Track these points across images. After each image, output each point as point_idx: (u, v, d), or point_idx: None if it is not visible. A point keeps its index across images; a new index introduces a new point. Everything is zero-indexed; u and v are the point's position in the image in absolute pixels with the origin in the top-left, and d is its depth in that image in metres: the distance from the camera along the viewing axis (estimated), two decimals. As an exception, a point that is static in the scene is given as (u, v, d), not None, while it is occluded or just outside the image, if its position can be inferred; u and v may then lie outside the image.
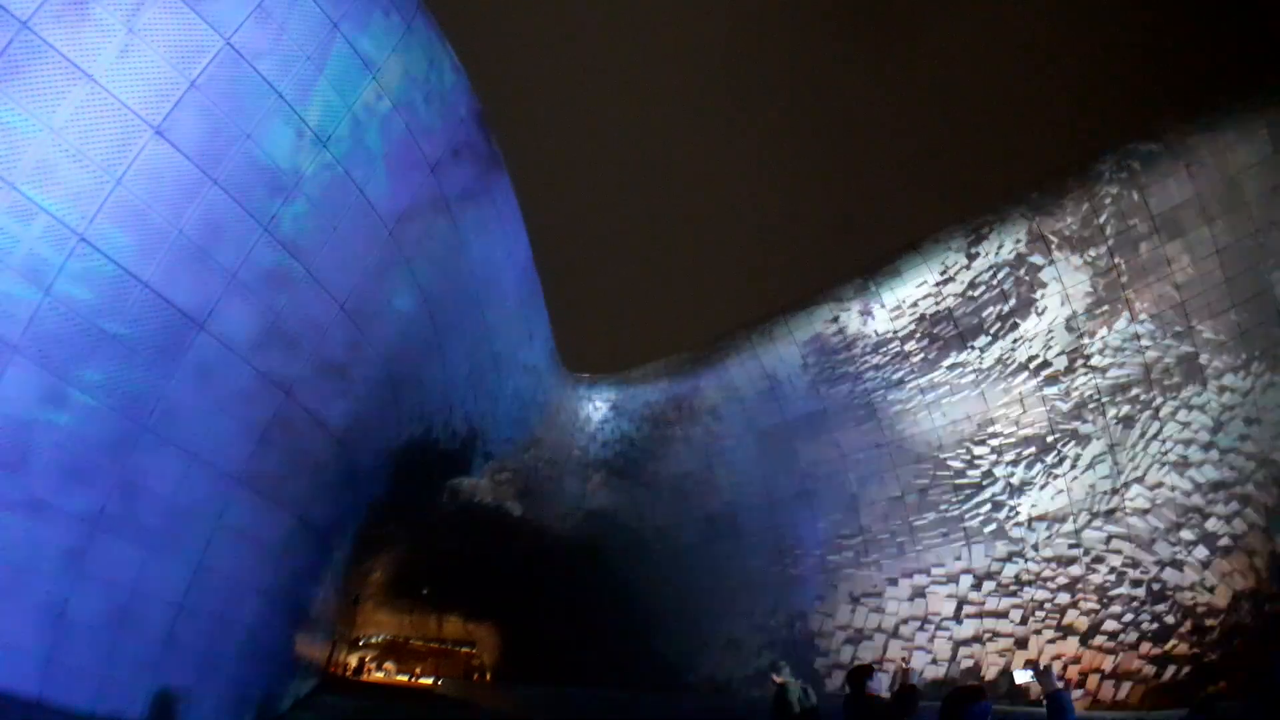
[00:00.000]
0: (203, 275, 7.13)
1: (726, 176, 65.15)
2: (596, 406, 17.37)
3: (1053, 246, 13.29)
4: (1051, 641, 13.28)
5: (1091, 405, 13.40)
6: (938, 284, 14.07)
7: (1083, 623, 13.12)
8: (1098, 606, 13.08)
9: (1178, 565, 12.64)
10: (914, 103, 59.87)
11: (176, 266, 6.91)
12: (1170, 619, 12.46)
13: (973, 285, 13.90)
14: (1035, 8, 51.60)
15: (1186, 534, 12.62)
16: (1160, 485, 12.98)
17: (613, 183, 62.33)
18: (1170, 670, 12.21)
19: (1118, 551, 13.15)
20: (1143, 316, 12.98)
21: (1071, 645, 13.08)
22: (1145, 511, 13.04)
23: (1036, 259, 13.40)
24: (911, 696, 6.23)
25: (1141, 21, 45.07)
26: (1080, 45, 52.04)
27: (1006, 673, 13.39)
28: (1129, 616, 12.77)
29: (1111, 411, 13.28)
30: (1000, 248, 13.59)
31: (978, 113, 56.12)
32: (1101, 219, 12.98)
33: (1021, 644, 13.58)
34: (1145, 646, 12.53)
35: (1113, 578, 13.10)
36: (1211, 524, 12.50)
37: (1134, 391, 13.12)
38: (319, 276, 8.28)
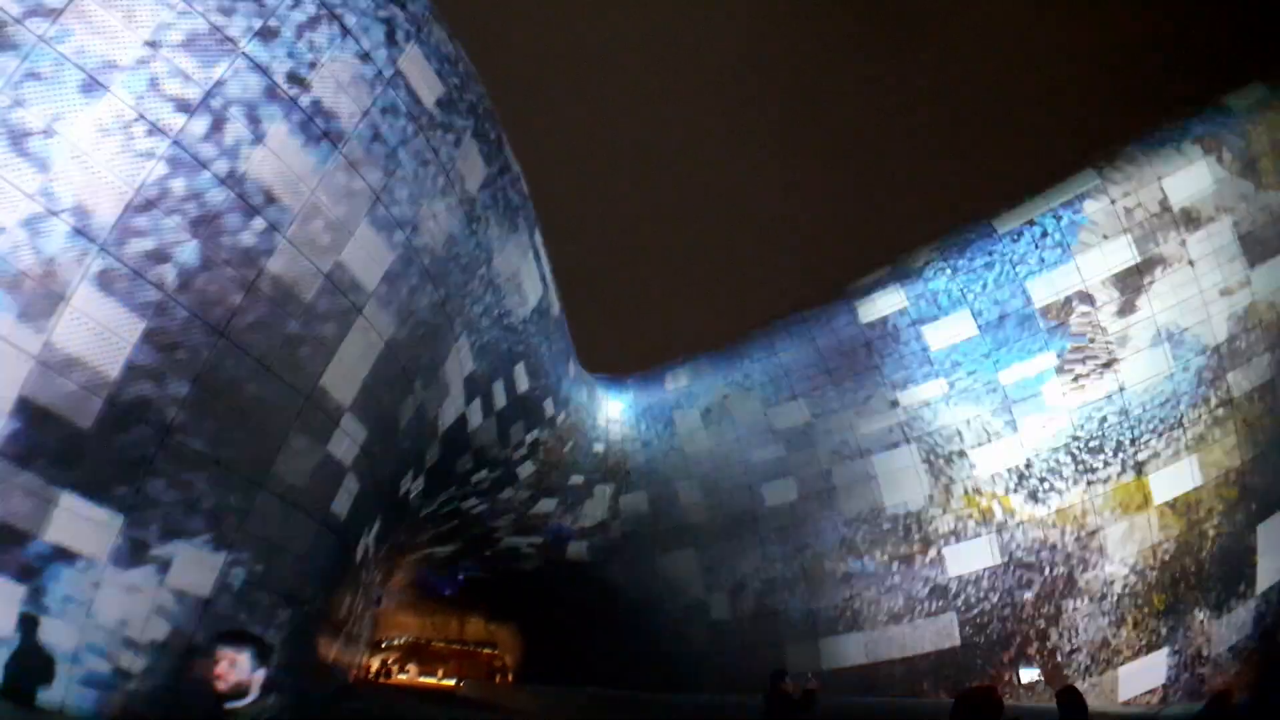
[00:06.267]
0: (219, 283, 7.15)
1: (740, 175, 64.90)
2: (615, 407, 17.32)
3: (1078, 243, 13.08)
4: (1061, 636, 13.16)
5: (1113, 402, 13.17)
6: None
7: (1092, 625, 12.97)
8: (1105, 608, 12.90)
9: (1185, 569, 12.49)
10: (931, 100, 59.27)
11: (194, 275, 6.93)
12: (1177, 620, 12.33)
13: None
14: (1051, 3, 51.03)
15: (1190, 538, 12.46)
16: (1176, 485, 12.80)
17: (625, 182, 62.32)
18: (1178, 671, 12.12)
19: (1127, 553, 12.97)
20: (1164, 308, 12.75)
21: (1080, 645, 12.96)
22: (1152, 513, 12.85)
23: (1062, 257, 13.20)
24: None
25: (1158, 18, 44.34)
26: (1096, 41, 51.30)
27: (1015, 672, 13.24)
28: (1138, 617, 12.64)
29: (1134, 411, 13.04)
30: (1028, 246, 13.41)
31: (995, 109, 55.44)
32: (1122, 212, 12.77)
33: (1031, 646, 13.45)
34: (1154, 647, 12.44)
35: (1121, 578, 12.92)
36: (1217, 525, 12.37)
37: (1157, 389, 12.89)
38: (336, 281, 8.28)
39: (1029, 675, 12.75)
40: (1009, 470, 13.89)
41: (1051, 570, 13.39)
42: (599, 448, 16.97)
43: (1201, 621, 12.22)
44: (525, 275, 12.52)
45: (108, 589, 6.61)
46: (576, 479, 16.89)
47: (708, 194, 67.46)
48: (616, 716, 16.73)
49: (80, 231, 6.17)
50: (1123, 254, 12.64)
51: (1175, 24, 43.29)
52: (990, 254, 13.53)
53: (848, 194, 60.99)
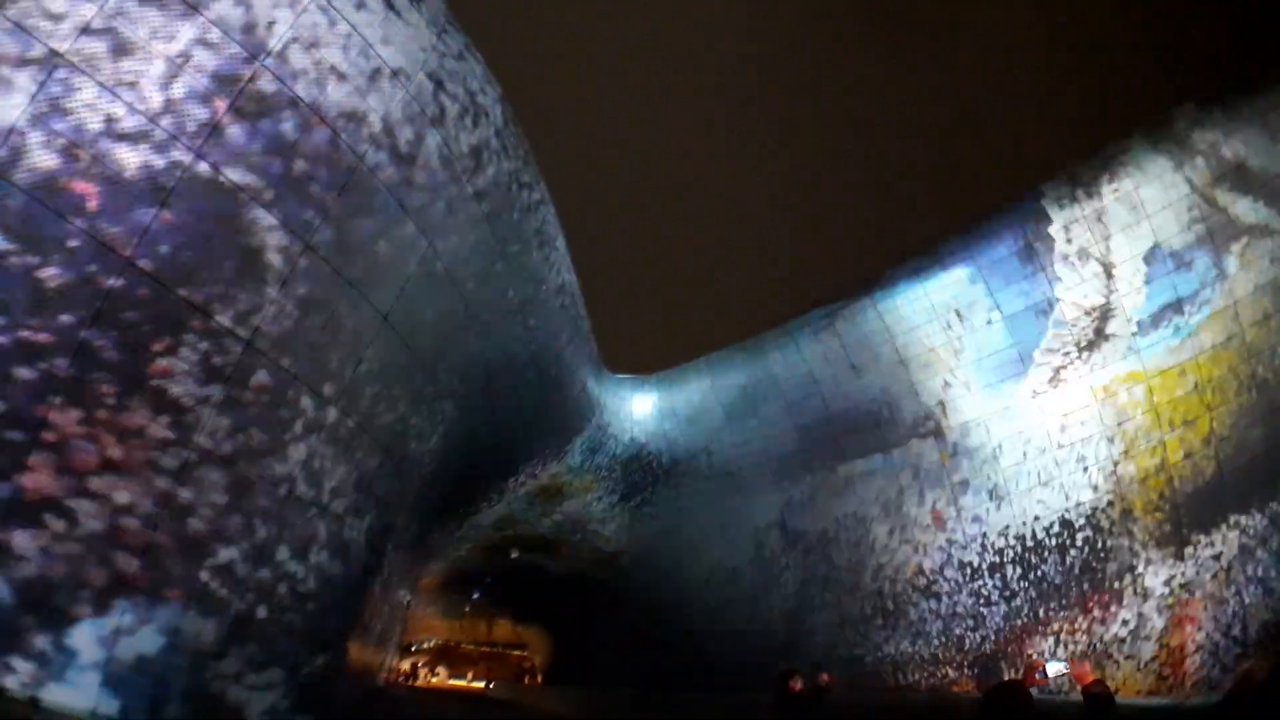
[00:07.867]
0: (250, 294, 7.22)
1: (747, 174, 64.67)
2: (640, 407, 17.30)
3: (1094, 228, 12.95)
4: (1084, 626, 12.97)
5: (1134, 387, 12.96)
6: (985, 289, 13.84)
7: (1117, 610, 12.78)
8: (1131, 596, 12.70)
9: (1205, 553, 12.23)
10: (940, 97, 58.57)
11: (225, 288, 7.00)
12: (1201, 607, 12.09)
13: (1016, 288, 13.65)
14: (1060, 5, 50.32)
15: (1211, 523, 12.22)
16: (1190, 473, 12.54)
17: (633, 183, 62.35)
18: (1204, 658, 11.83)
19: (1145, 542, 12.74)
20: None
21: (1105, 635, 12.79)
22: (1174, 500, 12.60)
23: (1077, 250, 13.07)
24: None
25: (1173, 16, 43.37)
26: (1096, 41, 50.44)
27: (1041, 666, 13.03)
28: (1161, 602, 12.43)
29: (1156, 394, 12.84)
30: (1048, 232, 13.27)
31: (997, 108, 54.65)
32: (1137, 195, 12.63)
33: (1059, 637, 13.30)
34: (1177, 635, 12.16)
35: (1141, 565, 12.71)
36: (1244, 517, 12.09)
37: (1178, 371, 12.67)
38: (362, 289, 8.34)
39: (1055, 670, 12.59)
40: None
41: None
42: (626, 449, 16.96)
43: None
44: (547, 280, 12.54)
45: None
46: (604, 478, 16.90)
47: (715, 193, 67.29)
48: (641, 716, 16.72)
49: (98, 244, 6.27)
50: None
51: (1175, 24, 42.46)
52: (1015, 231, 13.60)
53: (856, 191, 60.54)
